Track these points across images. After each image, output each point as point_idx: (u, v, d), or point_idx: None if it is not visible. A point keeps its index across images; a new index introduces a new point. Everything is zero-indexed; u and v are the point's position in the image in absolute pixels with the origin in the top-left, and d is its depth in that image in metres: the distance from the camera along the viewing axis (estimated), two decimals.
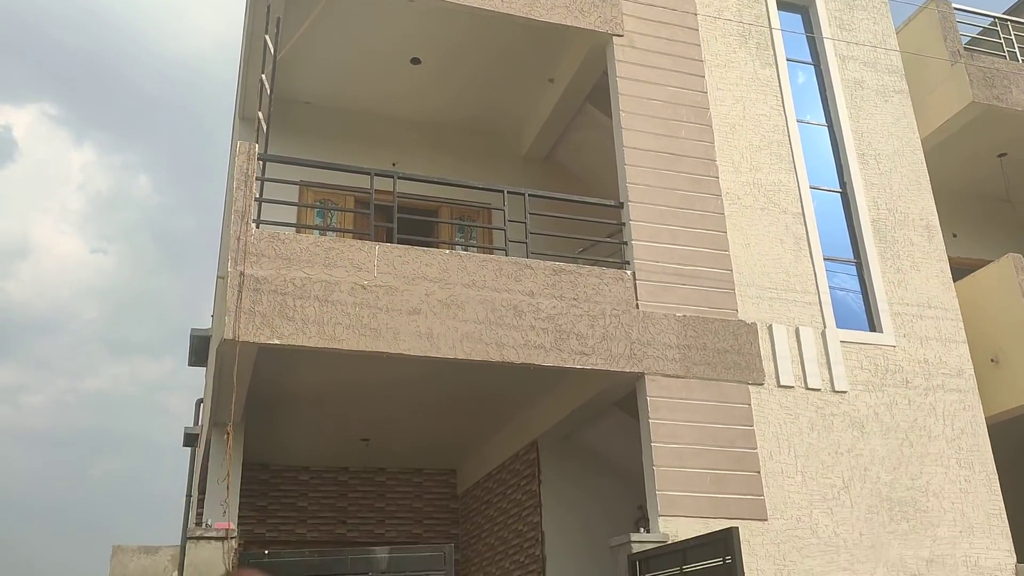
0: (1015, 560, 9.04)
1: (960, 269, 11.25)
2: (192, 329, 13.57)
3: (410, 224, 8.78)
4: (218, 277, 7.39)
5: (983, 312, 10.53)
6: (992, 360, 10.32)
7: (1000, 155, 13.09)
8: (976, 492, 9.21)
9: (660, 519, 8.01)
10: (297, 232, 8.50)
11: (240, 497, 10.51)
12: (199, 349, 13.37)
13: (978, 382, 9.85)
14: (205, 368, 12.52)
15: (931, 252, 10.37)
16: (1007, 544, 9.08)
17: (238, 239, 7.47)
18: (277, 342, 7.30)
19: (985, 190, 13.84)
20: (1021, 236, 13.65)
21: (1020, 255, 10.67)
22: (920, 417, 9.36)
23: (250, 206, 7.65)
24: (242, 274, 7.34)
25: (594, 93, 10.85)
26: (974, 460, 9.35)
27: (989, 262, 11.07)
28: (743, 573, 6.42)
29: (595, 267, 8.89)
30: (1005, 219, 14.07)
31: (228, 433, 7.17)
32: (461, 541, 13.15)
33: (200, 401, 13.71)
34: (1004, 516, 9.21)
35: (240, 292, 7.22)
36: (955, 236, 12.79)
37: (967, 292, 10.61)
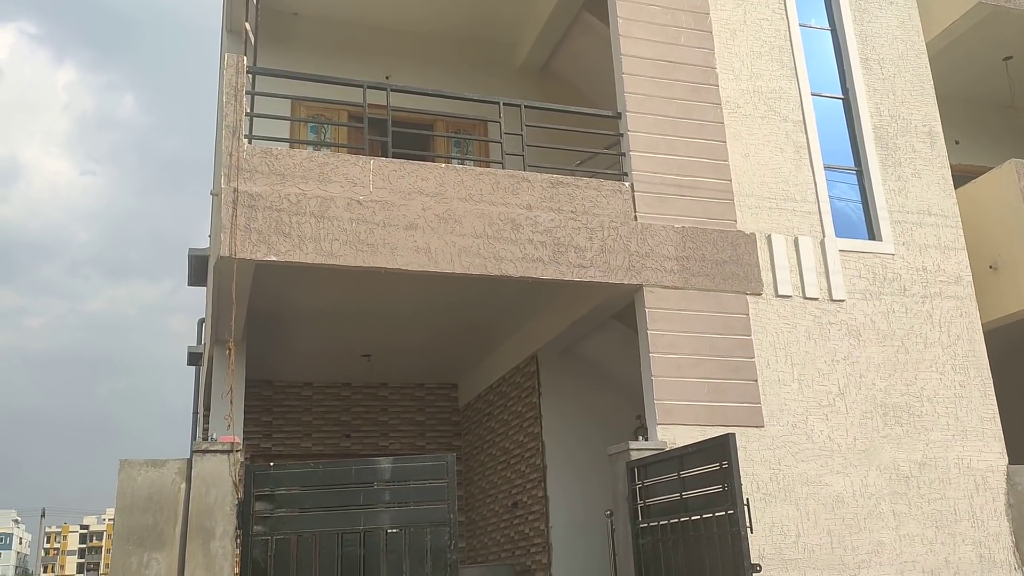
0: (1007, 462, 9.24)
1: (962, 176, 11.15)
2: (190, 249, 13.57)
3: (405, 138, 8.66)
4: (211, 193, 7.32)
5: (983, 219, 10.48)
6: (991, 267, 10.33)
7: (1006, 58, 12.82)
8: (970, 397, 9.34)
9: (658, 427, 8.14)
10: (291, 148, 8.37)
11: (245, 413, 10.68)
12: (198, 269, 13.38)
13: (976, 289, 9.88)
14: (205, 288, 12.55)
15: (933, 159, 10.26)
16: (999, 447, 9.27)
17: (230, 155, 7.38)
18: (274, 259, 7.29)
19: (990, 96, 13.61)
20: None
21: (1022, 161, 10.55)
22: (917, 324, 9.43)
23: (241, 121, 7.52)
24: (236, 190, 7.27)
25: (591, 0, 10.55)
26: (969, 366, 9.46)
27: (991, 169, 10.96)
28: (739, 477, 6.56)
29: (593, 179, 8.80)
30: (1009, 125, 13.88)
31: (229, 350, 7.22)
32: (463, 452, 13.43)
33: (202, 321, 13.80)
34: (997, 420, 9.37)
35: (235, 209, 7.17)
36: (957, 143, 12.64)
37: (968, 199, 10.54)
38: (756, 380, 8.61)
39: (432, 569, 6.38)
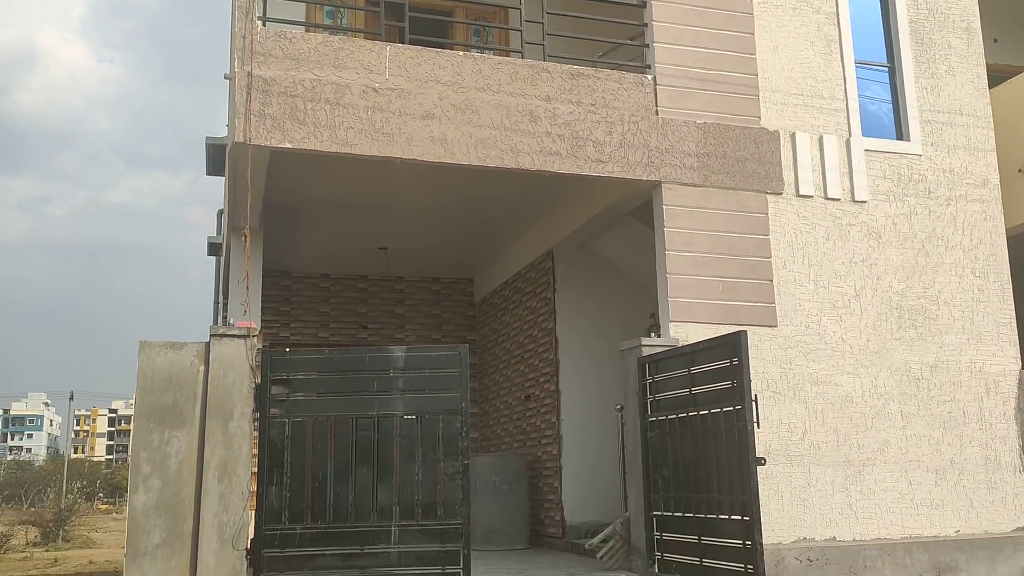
0: (1020, 366, 9.25)
1: (997, 76, 10.75)
2: (207, 138, 13.48)
3: (423, 25, 8.40)
4: (225, 77, 7.20)
5: (1016, 120, 10.17)
6: (1020, 170, 10.07)
7: None
8: (988, 301, 9.28)
9: (671, 325, 8.17)
10: (306, 32, 8.17)
11: (263, 303, 10.82)
12: (216, 158, 13.32)
13: (1002, 193, 9.67)
14: (224, 178, 12.53)
15: (969, 56, 9.88)
16: (1014, 352, 9.26)
17: (243, 37, 7.21)
18: (289, 146, 7.22)
19: None
20: None
21: None
22: (939, 227, 9.29)
23: (255, 2, 7.32)
24: (250, 74, 7.14)
25: None
26: (989, 270, 9.36)
27: None
28: (748, 374, 6.62)
29: (614, 71, 8.57)
30: None
31: (245, 236, 7.25)
32: (478, 346, 13.61)
33: (221, 211, 13.84)
34: (1014, 325, 9.33)
35: (249, 94, 7.06)
36: (996, 41, 12.12)
37: (1001, 99, 10.20)
38: (771, 280, 8.57)
39: (444, 455, 6.55)
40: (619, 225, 10.03)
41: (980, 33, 10.00)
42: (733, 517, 6.58)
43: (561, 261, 10.96)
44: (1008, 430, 9.04)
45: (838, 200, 8.98)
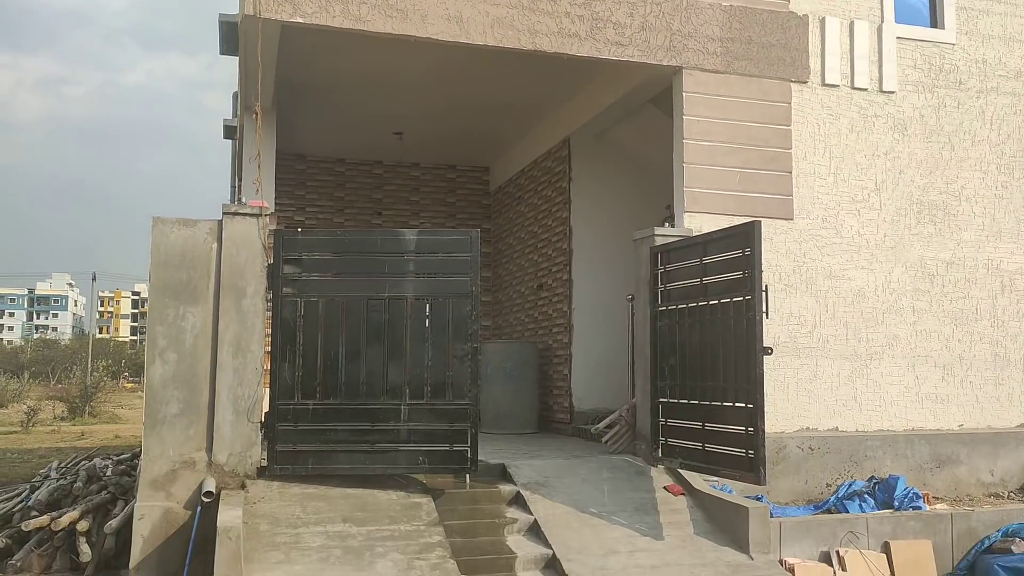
0: None
1: None
2: (220, 14, 13.15)
3: None
4: None
5: None
6: None
7: None
8: (1011, 198, 9.11)
9: (685, 215, 8.10)
10: None
11: (278, 186, 10.80)
12: (229, 36, 12.95)
13: None
14: (237, 58, 12.29)
15: None
16: None
17: None
18: (300, 20, 7.03)
19: None
20: None
21: None
22: (967, 120, 9.03)
23: None
24: None
25: None
26: (1016, 166, 9.15)
27: None
28: (760, 264, 6.58)
29: None
30: None
31: (256, 113, 7.15)
32: (492, 235, 13.60)
33: (236, 93, 13.65)
34: None
35: None
36: None
37: None
38: (790, 172, 8.43)
39: (453, 338, 6.63)
40: (638, 113, 9.82)
41: None
42: (737, 405, 6.67)
43: (577, 150, 10.80)
44: (1020, 328, 9.03)
45: (865, 90, 8.72)
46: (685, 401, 7.34)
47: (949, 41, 9.02)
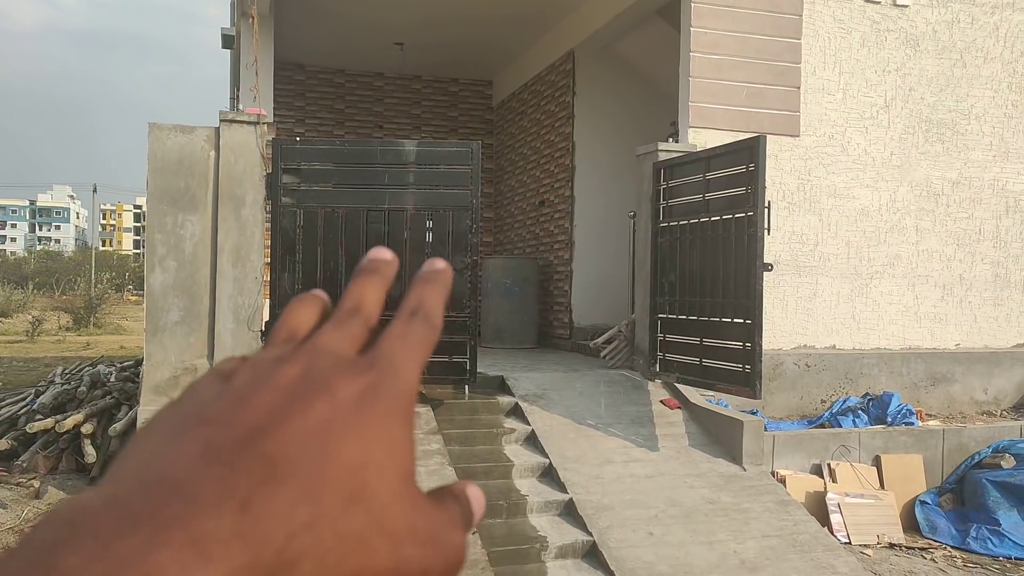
0: None
1: None
2: None
3: None
4: None
5: None
6: None
7: None
8: (1021, 117, 8.96)
9: (690, 131, 7.98)
10: None
11: (277, 96, 10.63)
12: None
13: None
14: None
15: None
16: None
17: None
18: None
19: None
20: None
21: None
22: (980, 37, 8.81)
23: None
24: None
25: None
26: None
27: None
28: (764, 179, 6.51)
29: None
30: None
31: (252, 17, 6.97)
32: (494, 151, 13.44)
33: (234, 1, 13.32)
34: None
35: None
36: None
37: None
38: (798, 87, 8.27)
39: (453, 250, 6.62)
40: (644, 25, 9.58)
41: None
42: (736, 320, 6.70)
43: (582, 64, 10.58)
44: (1022, 248, 9.01)
45: (878, 3, 8.48)
46: (684, 317, 7.37)
47: None
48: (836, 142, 8.41)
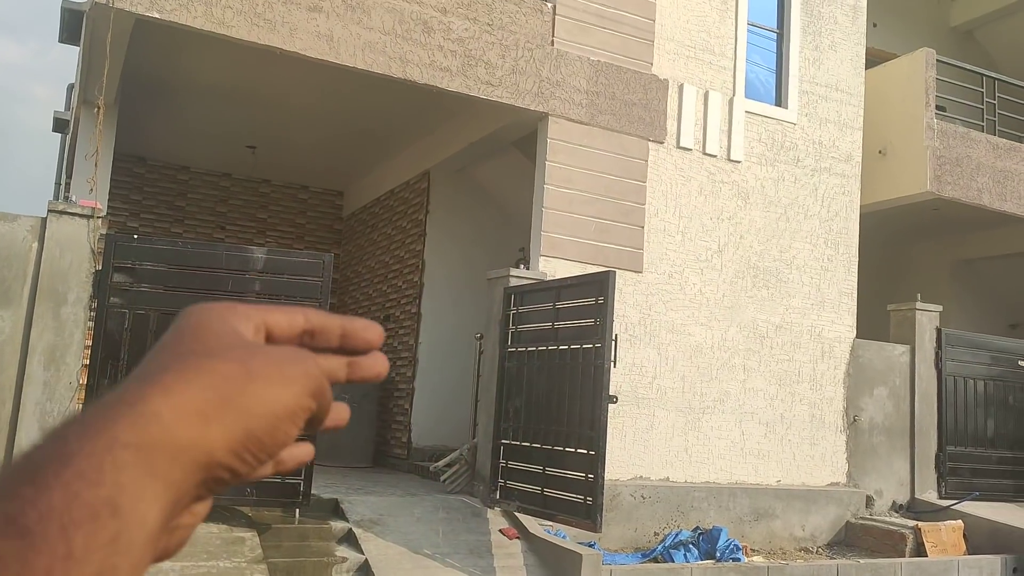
0: (854, 335, 9.87)
1: (871, 61, 11.20)
2: (65, 0, 12.27)
3: None
4: None
5: (884, 103, 10.67)
6: (880, 152, 10.62)
7: None
8: (835, 271, 9.81)
9: (541, 259, 8.17)
10: None
11: (113, 188, 10.05)
12: (72, 24, 12.12)
13: (862, 170, 10.18)
14: (79, 48, 11.45)
15: (852, 34, 10.23)
16: (851, 320, 9.86)
17: None
18: (157, 16, 6.60)
19: None
20: (939, 36, 13.61)
21: (933, 51, 10.68)
22: (802, 196, 9.68)
23: None
24: None
25: None
26: (840, 242, 9.87)
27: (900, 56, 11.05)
28: (613, 313, 6.70)
29: None
30: (929, 15, 13.96)
31: (98, 107, 6.61)
32: (341, 262, 13.23)
33: (72, 85, 12.70)
34: (855, 296, 9.92)
35: None
36: (875, 25, 12.63)
37: (874, 81, 10.65)
38: (643, 227, 8.70)
39: None
40: (500, 154, 9.88)
41: (865, 12, 10.37)
42: (579, 451, 6.72)
43: (437, 184, 10.72)
44: (835, 392, 9.67)
45: (715, 157, 9.18)
46: (528, 444, 7.31)
47: (791, 120, 9.68)
48: (675, 280, 8.85)
